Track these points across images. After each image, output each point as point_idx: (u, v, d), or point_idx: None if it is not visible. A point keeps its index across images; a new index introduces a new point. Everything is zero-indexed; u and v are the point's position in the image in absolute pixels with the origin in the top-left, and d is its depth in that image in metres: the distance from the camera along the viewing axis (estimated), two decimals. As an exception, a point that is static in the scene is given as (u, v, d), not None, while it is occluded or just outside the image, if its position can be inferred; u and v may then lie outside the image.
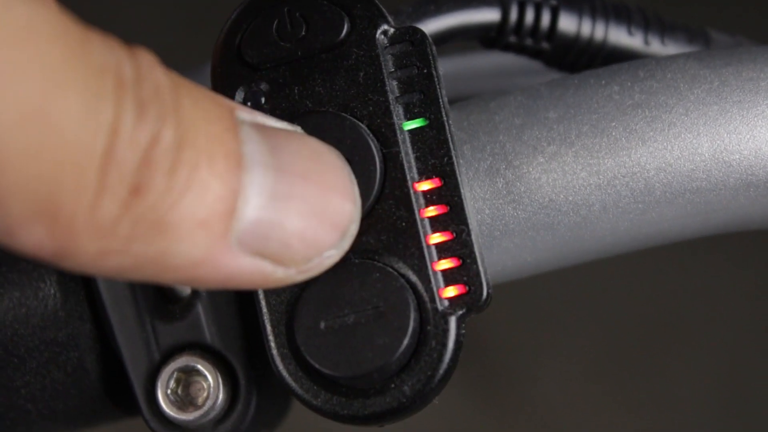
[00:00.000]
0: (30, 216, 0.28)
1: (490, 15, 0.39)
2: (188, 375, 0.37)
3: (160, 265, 0.30)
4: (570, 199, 0.36)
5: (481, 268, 0.34)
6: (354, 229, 0.33)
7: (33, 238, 0.28)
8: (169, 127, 0.29)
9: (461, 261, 0.35)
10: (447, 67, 0.48)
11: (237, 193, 0.30)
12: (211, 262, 0.30)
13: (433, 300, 0.34)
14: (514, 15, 0.39)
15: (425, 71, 0.35)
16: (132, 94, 0.28)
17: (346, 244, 0.33)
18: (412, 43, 0.36)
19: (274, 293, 0.35)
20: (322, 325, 0.34)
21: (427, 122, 0.35)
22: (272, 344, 0.35)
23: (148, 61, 0.29)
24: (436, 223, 0.35)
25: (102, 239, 0.28)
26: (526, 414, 1.27)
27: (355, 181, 0.33)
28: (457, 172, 0.35)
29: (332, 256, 0.33)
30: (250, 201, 0.30)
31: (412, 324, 0.34)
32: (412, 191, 0.35)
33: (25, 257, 0.29)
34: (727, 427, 1.26)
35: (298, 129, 0.34)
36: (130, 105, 0.28)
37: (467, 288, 0.34)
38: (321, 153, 0.33)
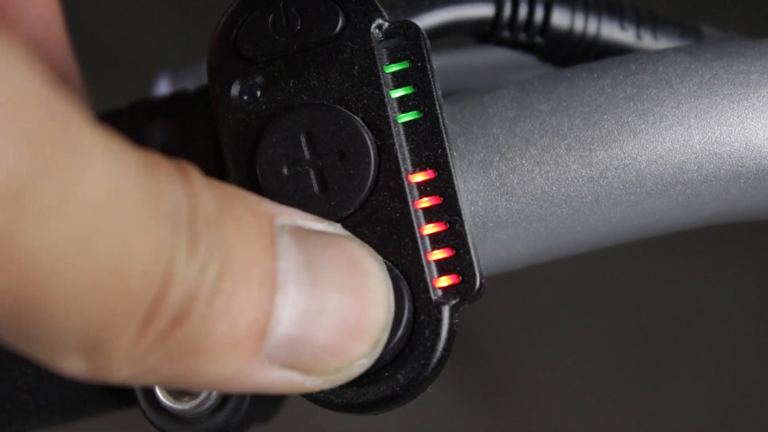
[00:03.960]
0: (72, 349, 0.28)
1: (484, 10, 0.40)
2: (184, 365, 0.37)
3: (188, 382, 0.30)
4: (562, 190, 0.37)
5: (474, 259, 0.35)
6: (385, 336, 0.33)
7: (71, 366, 0.28)
8: (215, 263, 0.28)
9: (454, 251, 0.35)
10: (441, 61, 0.49)
11: (270, 314, 0.30)
12: (241, 378, 0.30)
13: (426, 290, 0.34)
14: (507, 10, 0.40)
15: (419, 65, 0.36)
16: (186, 233, 0.28)
17: (377, 353, 0.32)
18: (407, 37, 0.36)
19: None
20: None
21: (421, 115, 0.36)
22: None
23: (198, 184, 0.29)
24: (430, 214, 0.35)
25: (136, 366, 0.28)
26: (525, 414, 1.27)
27: (390, 285, 0.33)
28: (451, 163, 0.35)
29: (363, 365, 0.32)
30: (282, 320, 0.30)
31: (406, 313, 0.34)
32: (406, 183, 0.35)
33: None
34: (727, 427, 1.26)
35: (338, 228, 0.33)
36: (185, 245, 0.28)
37: (460, 278, 0.35)
38: (358, 261, 0.32)
